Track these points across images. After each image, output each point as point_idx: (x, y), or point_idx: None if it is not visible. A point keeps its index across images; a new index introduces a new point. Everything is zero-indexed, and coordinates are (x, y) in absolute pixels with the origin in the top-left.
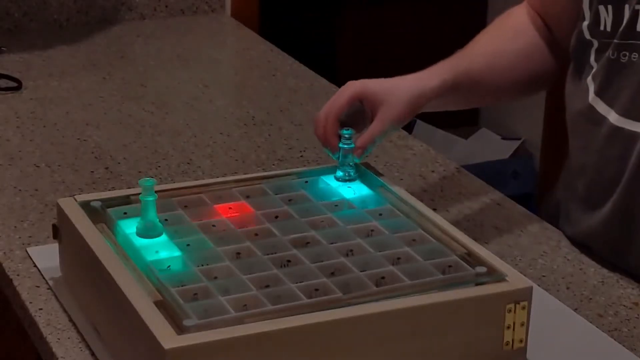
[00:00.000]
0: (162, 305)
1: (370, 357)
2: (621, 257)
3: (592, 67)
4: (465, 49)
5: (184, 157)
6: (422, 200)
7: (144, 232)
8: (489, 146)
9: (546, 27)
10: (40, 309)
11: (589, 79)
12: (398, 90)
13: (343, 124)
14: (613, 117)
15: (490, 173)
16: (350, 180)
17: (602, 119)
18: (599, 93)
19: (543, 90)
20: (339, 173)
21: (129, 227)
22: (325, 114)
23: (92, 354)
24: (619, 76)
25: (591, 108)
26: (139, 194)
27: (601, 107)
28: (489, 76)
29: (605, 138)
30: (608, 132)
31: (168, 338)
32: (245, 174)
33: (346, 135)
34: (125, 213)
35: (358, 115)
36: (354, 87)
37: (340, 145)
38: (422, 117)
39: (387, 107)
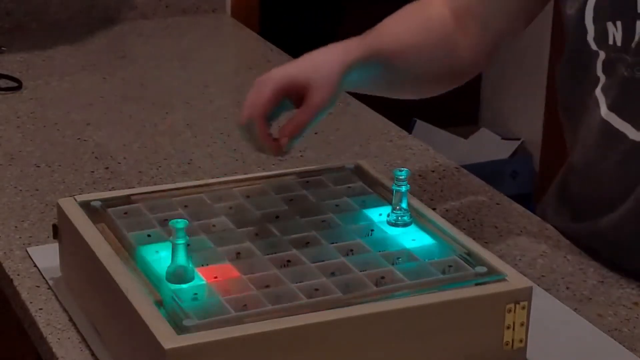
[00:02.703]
0: (162, 305)
1: (370, 357)
2: (630, 258)
3: (598, 79)
4: (376, 28)
5: (184, 157)
6: (422, 200)
7: (174, 278)
8: (489, 146)
9: (462, 27)
10: (40, 309)
11: (598, 91)
12: (321, 73)
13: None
14: (632, 133)
15: (489, 173)
16: (405, 225)
17: (620, 134)
18: (613, 108)
19: (451, 88)
20: (392, 217)
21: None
22: (249, 116)
23: (92, 354)
24: (634, 92)
25: (606, 123)
26: (139, 193)
27: (617, 123)
28: (401, 60)
29: (623, 152)
30: (627, 147)
31: (168, 338)
32: (245, 174)
33: (401, 177)
34: (125, 213)
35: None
36: (273, 79)
37: (394, 187)
38: (422, 116)
39: (313, 92)
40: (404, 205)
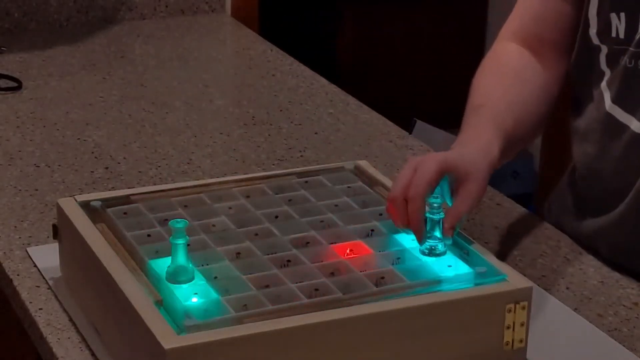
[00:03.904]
0: (162, 305)
1: (370, 357)
2: (630, 258)
3: (603, 73)
4: (487, 105)
5: (184, 157)
6: None
7: (174, 278)
8: None
9: (535, 57)
10: (40, 309)
11: (603, 85)
12: (477, 164)
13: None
14: (635, 125)
15: None
16: (440, 254)
17: (623, 126)
18: (616, 101)
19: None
20: (427, 245)
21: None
22: (413, 195)
23: (92, 354)
24: (638, 84)
25: (609, 116)
26: (139, 193)
27: (621, 115)
28: (518, 130)
29: (626, 145)
30: (630, 140)
31: (168, 338)
32: (245, 174)
33: (435, 205)
34: (125, 213)
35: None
36: (437, 162)
37: (428, 215)
38: (422, 117)
39: (471, 182)
40: (437, 233)
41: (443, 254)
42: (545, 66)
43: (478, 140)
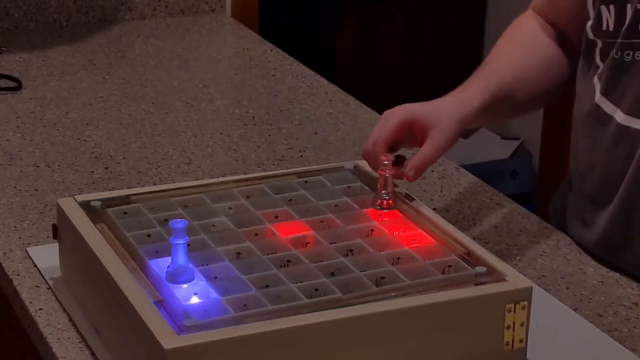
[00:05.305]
0: (162, 305)
1: (370, 357)
2: (621, 257)
3: (597, 67)
4: (490, 63)
5: (184, 157)
6: (421, 200)
7: (174, 278)
8: (489, 146)
9: (557, 34)
10: (40, 309)
11: (595, 78)
12: (446, 114)
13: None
14: (619, 117)
15: (489, 173)
16: (389, 208)
17: (609, 118)
18: (604, 92)
19: (559, 96)
20: (377, 201)
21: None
22: (373, 143)
23: (92, 354)
24: (623, 75)
25: (597, 107)
26: (139, 193)
27: (607, 107)
28: (516, 91)
29: (612, 137)
30: (615, 131)
31: (168, 338)
32: (245, 174)
33: (385, 162)
34: (125, 213)
35: (406, 141)
36: (400, 113)
37: (379, 172)
38: None
39: (438, 132)
40: (389, 188)
41: (392, 208)
42: (565, 42)
43: (461, 92)
